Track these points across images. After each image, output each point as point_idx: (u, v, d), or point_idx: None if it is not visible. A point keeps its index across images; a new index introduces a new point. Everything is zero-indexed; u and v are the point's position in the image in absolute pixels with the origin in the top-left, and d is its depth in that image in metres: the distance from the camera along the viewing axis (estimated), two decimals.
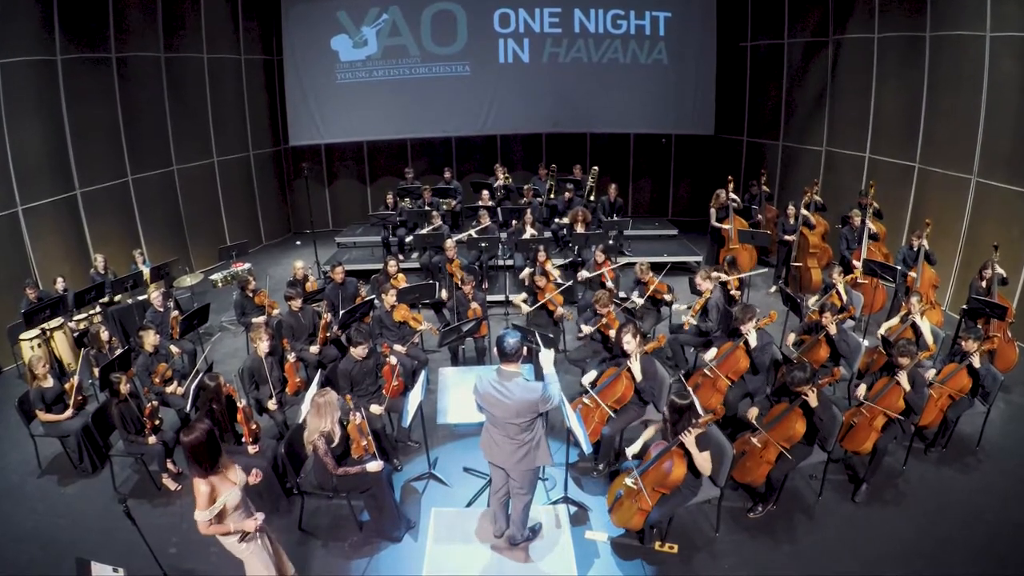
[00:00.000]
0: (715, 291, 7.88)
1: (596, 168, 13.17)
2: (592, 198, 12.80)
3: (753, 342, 6.55)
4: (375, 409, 6.38)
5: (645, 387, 6.14)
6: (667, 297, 8.39)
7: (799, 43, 12.82)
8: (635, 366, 6.09)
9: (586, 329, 7.61)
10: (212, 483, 4.16)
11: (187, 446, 4.08)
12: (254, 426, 5.94)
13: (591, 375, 6.54)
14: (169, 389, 7.06)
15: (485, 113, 15.02)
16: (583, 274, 9.18)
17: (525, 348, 4.79)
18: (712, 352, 7.00)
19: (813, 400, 5.42)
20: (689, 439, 4.93)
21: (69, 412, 6.55)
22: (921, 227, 8.81)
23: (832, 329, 6.86)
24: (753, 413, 5.87)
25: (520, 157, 15.71)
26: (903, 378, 5.74)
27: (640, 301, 8.28)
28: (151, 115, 11.84)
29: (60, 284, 8.96)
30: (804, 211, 10.50)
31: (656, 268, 8.61)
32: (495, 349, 4.71)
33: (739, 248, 10.84)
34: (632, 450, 5.44)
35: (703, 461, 4.98)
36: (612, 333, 7.17)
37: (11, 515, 6.04)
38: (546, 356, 4.88)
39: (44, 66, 9.82)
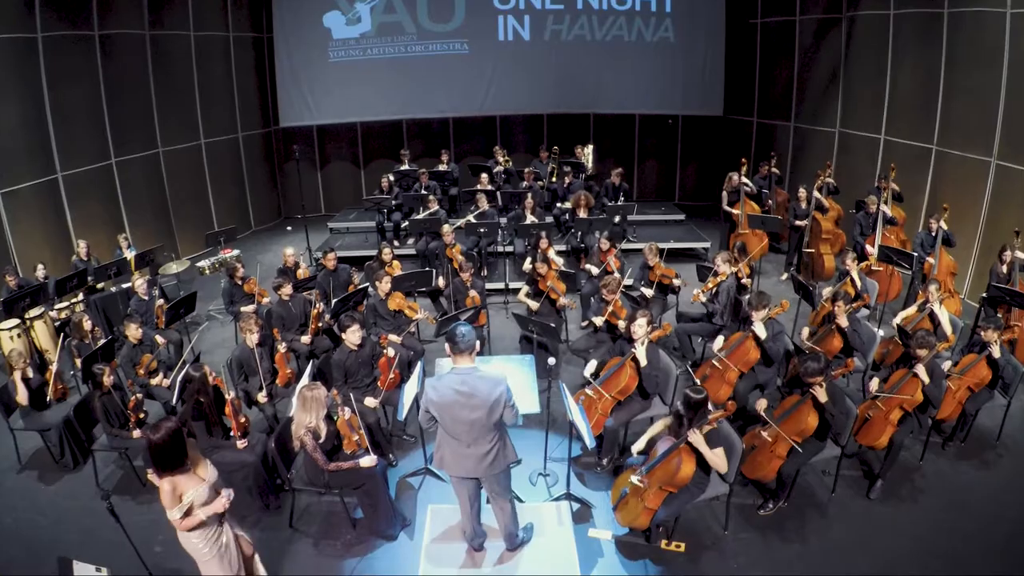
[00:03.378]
0: (730, 276, 7.82)
1: (591, 146, 13.09)
2: (591, 169, 12.73)
3: (762, 334, 6.49)
4: (370, 402, 6.32)
5: (650, 373, 6.07)
6: (676, 282, 8.32)
7: (811, 20, 12.69)
8: (640, 352, 6.03)
9: (597, 321, 7.55)
10: (174, 482, 4.08)
11: (149, 444, 4.02)
12: (243, 419, 5.87)
13: (592, 365, 6.50)
14: (154, 381, 6.99)
15: (484, 93, 14.91)
16: (591, 268, 9.08)
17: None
18: (720, 341, 6.95)
19: (822, 395, 5.36)
20: (697, 437, 4.87)
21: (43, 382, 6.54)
22: (939, 212, 8.74)
23: (843, 321, 6.78)
24: (762, 405, 5.82)
25: (521, 139, 15.64)
26: (921, 371, 5.67)
27: (650, 293, 8.22)
28: (135, 95, 11.74)
29: (40, 271, 8.89)
30: (817, 194, 10.42)
31: (662, 254, 8.54)
32: (446, 344, 4.47)
33: (749, 233, 10.76)
34: (637, 447, 5.38)
35: (716, 458, 4.91)
36: (621, 323, 7.13)
37: None
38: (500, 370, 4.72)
39: (24, 44, 9.72)
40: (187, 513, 4.12)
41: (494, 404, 4.41)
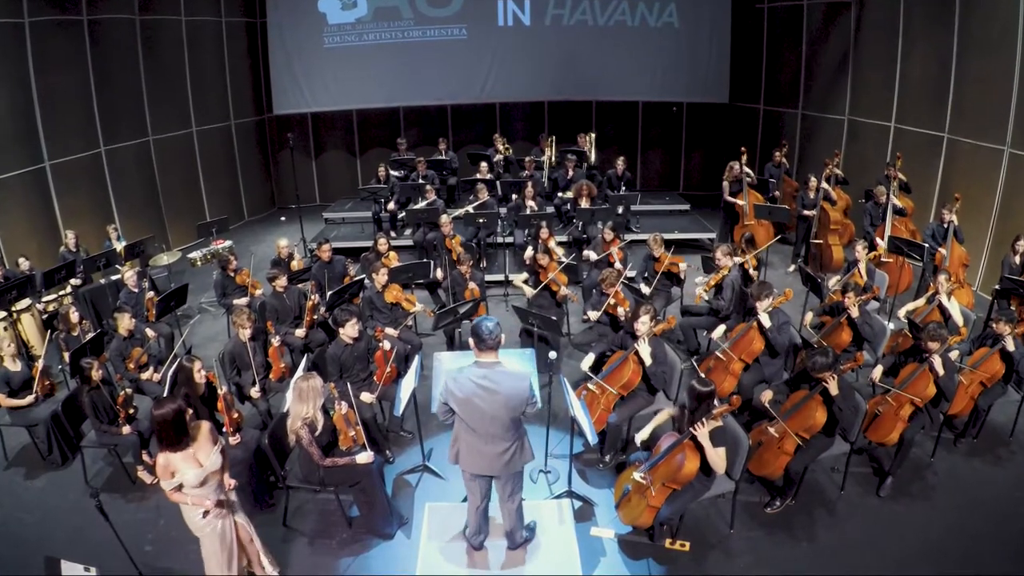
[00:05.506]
0: (733, 269, 7.79)
1: (593, 134, 13.03)
2: (594, 159, 12.68)
3: (767, 323, 6.46)
4: (366, 397, 6.28)
5: (655, 371, 6.06)
6: (682, 266, 8.28)
7: (820, 4, 12.61)
8: (644, 348, 6.00)
9: (593, 315, 7.53)
10: (168, 458, 4.22)
11: (153, 419, 4.19)
12: (235, 415, 5.84)
13: (589, 359, 6.46)
14: (144, 375, 6.97)
15: (483, 79, 14.84)
16: (590, 255, 9.06)
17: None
18: (720, 330, 6.92)
19: (834, 388, 5.32)
20: (702, 432, 4.83)
21: (30, 398, 6.44)
22: (950, 202, 8.69)
23: (854, 312, 6.75)
24: (767, 396, 5.78)
25: (521, 127, 15.60)
26: (937, 362, 5.63)
27: (647, 290, 8.19)
28: (125, 82, 11.67)
29: (24, 264, 8.81)
30: (825, 185, 10.37)
31: (666, 245, 8.49)
32: (470, 338, 4.44)
33: (755, 224, 10.72)
34: (641, 436, 5.35)
35: (716, 458, 4.86)
36: (620, 312, 7.10)
37: None
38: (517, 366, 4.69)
39: (11, 29, 9.66)
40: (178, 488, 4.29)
41: (516, 400, 4.40)
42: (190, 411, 4.46)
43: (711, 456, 4.85)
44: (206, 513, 4.37)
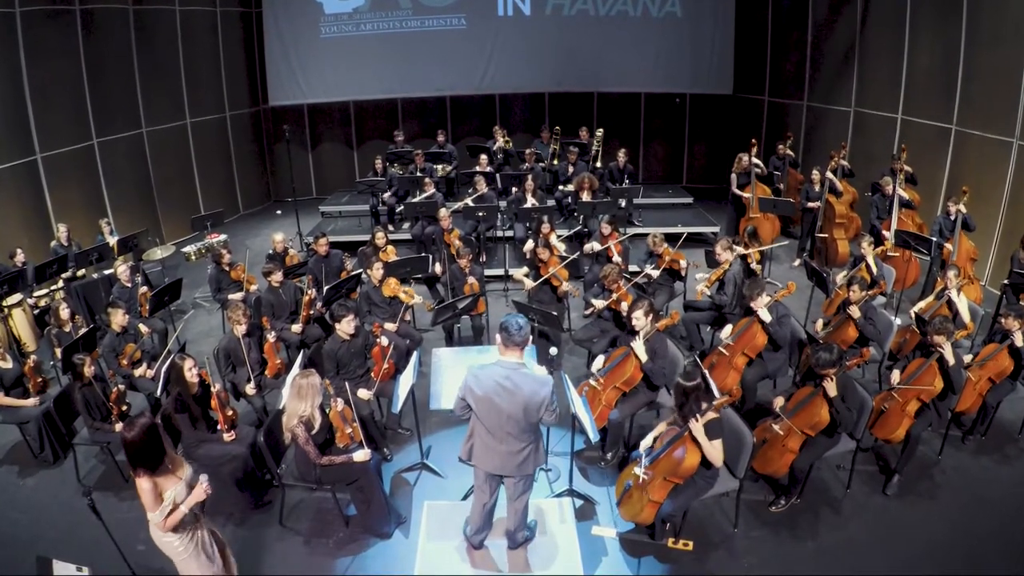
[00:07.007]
0: (734, 263, 7.76)
1: (601, 130, 12.97)
2: (599, 164, 12.65)
3: (766, 318, 6.44)
4: (363, 394, 6.26)
5: (653, 369, 6.00)
6: (682, 263, 8.25)
7: None
8: (638, 347, 5.96)
9: (598, 303, 7.47)
10: (155, 480, 4.03)
11: (125, 444, 3.99)
12: (230, 412, 5.82)
13: (599, 361, 6.42)
14: (138, 372, 6.94)
15: (483, 70, 14.81)
16: (593, 246, 9.02)
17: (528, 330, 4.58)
18: (728, 330, 6.90)
19: (831, 389, 5.29)
20: (697, 426, 4.81)
21: (33, 400, 6.44)
22: (958, 194, 8.66)
23: (855, 312, 6.70)
24: (778, 403, 5.76)
25: (521, 119, 15.55)
26: (948, 351, 5.60)
27: (655, 273, 8.15)
28: (118, 73, 11.65)
29: (20, 257, 8.82)
30: (831, 175, 10.33)
31: (670, 240, 8.46)
32: (498, 334, 4.43)
33: (760, 217, 10.69)
34: (645, 443, 5.33)
35: (713, 451, 4.83)
36: (624, 307, 7.07)
37: None
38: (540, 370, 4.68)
39: (2, 20, 9.62)
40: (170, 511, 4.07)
41: (535, 404, 4.41)
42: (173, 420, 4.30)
43: (707, 449, 4.82)
44: (178, 528, 4.19)
